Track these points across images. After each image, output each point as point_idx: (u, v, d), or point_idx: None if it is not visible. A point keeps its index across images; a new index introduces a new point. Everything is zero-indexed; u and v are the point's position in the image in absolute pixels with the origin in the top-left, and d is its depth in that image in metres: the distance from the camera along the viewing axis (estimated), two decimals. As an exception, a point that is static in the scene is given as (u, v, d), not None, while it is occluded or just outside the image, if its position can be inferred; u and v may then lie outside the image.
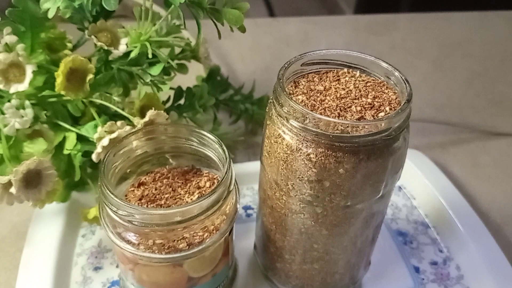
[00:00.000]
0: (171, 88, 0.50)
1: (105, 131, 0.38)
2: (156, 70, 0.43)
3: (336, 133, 0.29)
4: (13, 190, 0.34)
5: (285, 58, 0.33)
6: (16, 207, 0.48)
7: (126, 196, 0.36)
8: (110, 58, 0.44)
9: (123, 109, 0.44)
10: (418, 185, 0.52)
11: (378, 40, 0.83)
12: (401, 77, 0.32)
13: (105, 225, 0.33)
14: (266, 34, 0.84)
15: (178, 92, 0.50)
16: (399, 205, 0.51)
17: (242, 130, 0.59)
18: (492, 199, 0.53)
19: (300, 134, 0.30)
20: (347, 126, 0.29)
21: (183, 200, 0.35)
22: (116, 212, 0.30)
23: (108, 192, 0.30)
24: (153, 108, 0.38)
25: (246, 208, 0.50)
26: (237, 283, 0.40)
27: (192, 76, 0.55)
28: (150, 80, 0.43)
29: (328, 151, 0.29)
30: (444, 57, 0.79)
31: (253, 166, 0.52)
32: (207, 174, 0.37)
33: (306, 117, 0.29)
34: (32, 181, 0.35)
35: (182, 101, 0.51)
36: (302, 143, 0.30)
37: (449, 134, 0.61)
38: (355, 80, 0.34)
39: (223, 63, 0.72)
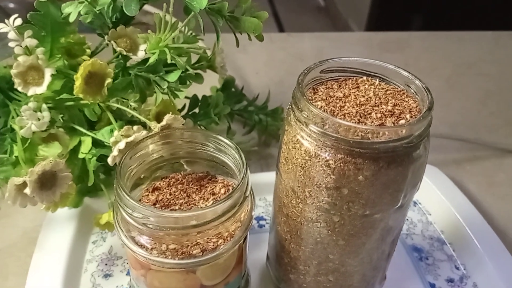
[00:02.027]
0: (186, 97, 0.50)
1: (122, 135, 0.38)
2: (173, 76, 0.43)
3: (356, 138, 0.28)
4: (27, 190, 0.34)
5: (299, 72, 0.33)
6: (28, 213, 0.48)
7: (140, 200, 0.36)
8: (128, 64, 0.44)
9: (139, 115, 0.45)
10: (434, 200, 0.51)
11: (391, 58, 0.82)
12: (422, 86, 0.32)
13: (119, 228, 0.32)
14: (280, 49, 0.84)
15: (194, 100, 0.50)
16: (414, 220, 0.50)
17: (256, 141, 0.59)
18: (509, 218, 0.52)
19: (319, 140, 0.30)
20: (368, 132, 0.28)
21: (197, 206, 0.35)
22: (131, 215, 0.30)
23: (124, 193, 0.30)
24: (170, 113, 0.38)
25: (258, 219, 0.49)
26: (249, 295, 0.40)
27: (206, 87, 0.56)
28: (167, 87, 0.43)
29: (347, 157, 0.29)
30: (457, 76, 0.79)
31: (266, 177, 0.52)
32: (222, 181, 0.37)
33: (326, 122, 0.29)
34: (47, 182, 0.35)
35: (197, 110, 0.51)
36: (321, 149, 0.30)
37: (464, 151, 0.61)
38: (375, 88, 0.33)
39: (238, 76, 0.73)
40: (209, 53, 0.50)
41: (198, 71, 0.50)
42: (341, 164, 0.29)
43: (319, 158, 0.30)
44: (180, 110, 0.50)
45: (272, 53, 0.83)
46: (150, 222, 0.30)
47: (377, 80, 0.34)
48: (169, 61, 0.39)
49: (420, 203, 0.52)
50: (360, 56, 0.36)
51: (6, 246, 0.45)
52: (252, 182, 0.52)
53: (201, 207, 0.34)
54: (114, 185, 0.31)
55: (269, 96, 0.58)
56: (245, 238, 0.35)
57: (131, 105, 0.43)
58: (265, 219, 0.49)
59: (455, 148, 0.61)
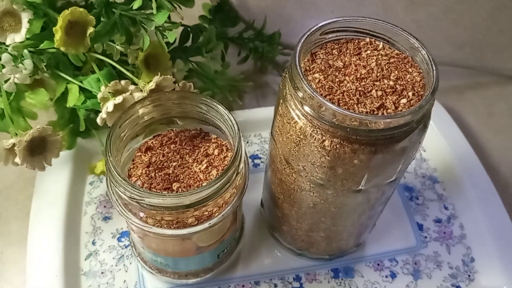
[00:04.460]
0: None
1: (109, 92, 0.36)
2: (161, 18, 0.40)
3: (353, 125, 0.27)
4: (17, 160, 0.33)
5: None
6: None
7: (133, 161, 0.36)
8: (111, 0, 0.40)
9: (126, 57, 0.42)
10: (430, 136, 0.50)
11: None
12: (428, 57, 0.30)
13: (112, 192, 0.32)
14: None
15: (184, 34, 0.47)
16: (408, 158, 0.50)
17: (251, 68, 0.57)
18: (504, 153, 0.52)
19: (314, 122, 0.28)
20: (365, 120, 0.27)
21: (191, 169, 0.34)
22: (124, 193, 0.30)
23: (116, 174, 0.29)
24: (159, 74, 0.36)
25: (253, 157, 0.49)
26: (244, 240, 0.41)
27: (198, 3, 0.51)
28: (155, 27, 0.40)
29: (343, 141, 0.28)
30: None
31: (262, 112, 0.51)
32: (215, 140, 0.36)
33: (322, 105, 0.27)
34: (36, 148, 0.35)
35: (189, 43, 0.48)
36: (316, 131, 0.28)
37: (466, 77, 0.59)
38: (378, 55, 0.31)
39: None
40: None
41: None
42: (337, 147, 0.28)
43: (314, 139, 0.29)
44: (170, 44, 0.47)
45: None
46: (144, 202, 0.30)
47: (381, 43, 0.32)
48: (154, 11, 0.36)
49: (416, 139, 0.52)
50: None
51: (4, 188, 0.46)
52: (247, 118, 0.51)
53: (193, 173, 0.34)
54: (105, 159, 0.31)
55: (266, 22, 0.54)
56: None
57: (117, 49, 0.40)
58: (260, 158, 0.49)
59: (457, 74, 0.59)
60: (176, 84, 0.39)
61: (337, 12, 0.65)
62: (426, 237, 0.44)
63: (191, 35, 0.47)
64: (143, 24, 0.40)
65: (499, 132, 0.54)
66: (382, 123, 0.27)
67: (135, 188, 0.29)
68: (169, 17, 0.44)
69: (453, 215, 0.46)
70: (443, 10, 0.67)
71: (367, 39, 0.32)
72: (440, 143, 0.50)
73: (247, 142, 0.50)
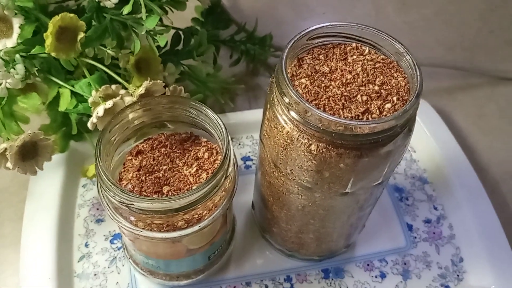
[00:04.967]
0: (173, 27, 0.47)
1: (100, 97, 0.37)
2: (151, 22, 0.40)
3: (338, 130, 0.27)
4: (9, 165, 0.34)
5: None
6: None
7: (124, 164, 0.36)
8: (101, 4, 0.41)
9: (118, 60, 0.42)
10: (420, 137, 0.51)
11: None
12: (413, 62, 0.30)
13: (102, 196, 0.33)
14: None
15: (176, 38, 0.48)
16: (398, 159, 0.51)
17: (243, 71, 0.57)
18: (493, 154, 0.52)
19: (300, 127, 0.29)
20: (350, 125, 0.27)
21: (181, 173, 0.35)
22: (114, 197, 0.30)
23: (106, 178, 0.30)
24: (150, 79, 0.36)
25: (245, 159, 0.50)
26: (235, 241, 0.42)
27: (190, 5, 0.52)
28: (146, 31, 0.40)
29: (329, 146, 0.28)
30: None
31: (253, 114, 0.52)
32: (205, 143, 0.37)
33: (308, 111, 0.28)
34: (28, 153, 0.35)
35: (180, 46, 0.48)
36: (303, 135, 0.29)
37: (457, 78, 0.59)
38: (363, 60, 0.31)
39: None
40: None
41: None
42: (323, 151, 0.29)
43: (301, 143, 0.29)
44: (162, 48, 0.47)
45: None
46: (134, 206, 0.30)
47: (367, 48, 0.32)
48: (143, 17, 0.36)
49: (406, 140, 0.52)
50: None
51: (-2, 191, 0.46)
52: (239, 120, 0.51)
53: (183, 176, 0.34)
54: (95, 164, 0.31)
55: (257, 25, 0.55)
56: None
57: (108, 53, 0.41)
58: (252, 159, 0.50)
59: (449, 75, 0.59)
60: (167, 88, 0.39)
61: (329, 14, 0.66)
62: (415, 237, 0.45)
63: (182, 38, 0.47)
64: (133, 29, 0.40)
65: (489, 133, 0.54)
66: (366, 128, 0.27)
67: (125, 193, 0.29)
68: (161, 20, 0.45)
69: (443, 215, 0.46)
70: (434, 12, 0.68)
71: (353, 44, 0.32)
72: (430, 144, 0.50)
73: (239, 144, 0.51)
